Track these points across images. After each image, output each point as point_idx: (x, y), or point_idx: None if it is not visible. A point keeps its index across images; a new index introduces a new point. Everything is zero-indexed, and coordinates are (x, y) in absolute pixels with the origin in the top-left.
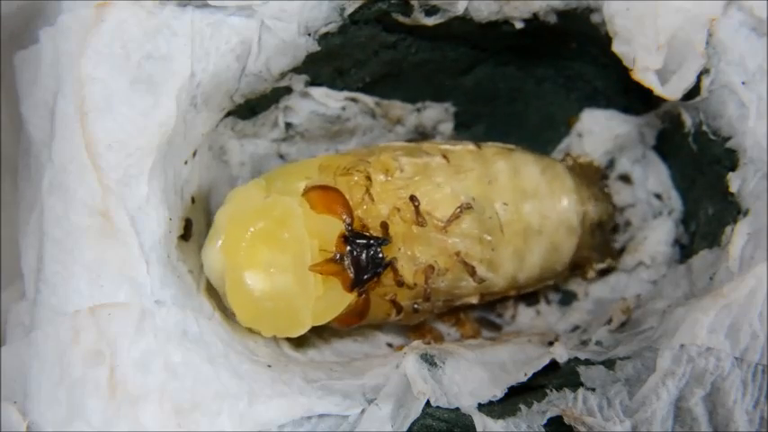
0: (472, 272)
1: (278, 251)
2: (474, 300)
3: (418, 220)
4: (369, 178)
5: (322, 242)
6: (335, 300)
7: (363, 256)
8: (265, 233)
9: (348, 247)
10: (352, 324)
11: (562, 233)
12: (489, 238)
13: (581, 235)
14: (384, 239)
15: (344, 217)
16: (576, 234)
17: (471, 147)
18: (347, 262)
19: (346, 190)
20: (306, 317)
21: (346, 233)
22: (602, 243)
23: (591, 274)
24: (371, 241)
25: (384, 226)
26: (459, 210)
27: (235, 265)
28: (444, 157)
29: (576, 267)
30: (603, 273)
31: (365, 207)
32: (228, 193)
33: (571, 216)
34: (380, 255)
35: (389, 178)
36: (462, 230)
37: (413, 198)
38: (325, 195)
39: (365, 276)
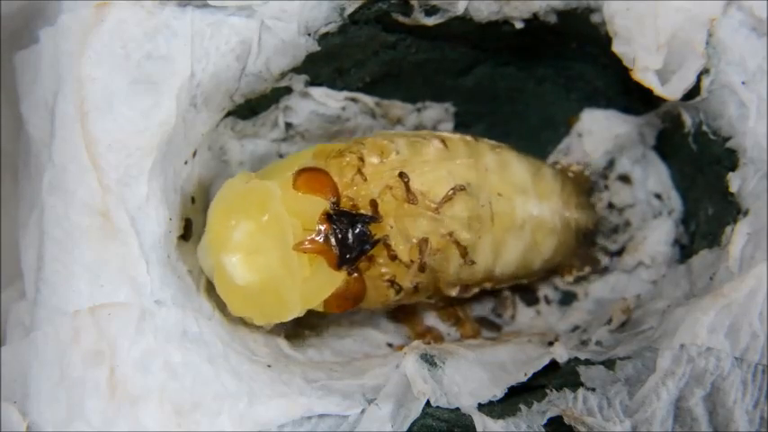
0: (464, 252)
1: (260, 235)
2: (453, 292)
3: (408, 197)
4: (362, 159)
5: (306, 222)
6: (324, 280)
7: (348, 233)
8: (246, 219)
9: (332, 225)
10: (346, 308)
11: (543, 233)
12: (478, 225)
13: (563, 239)
14: (372, 217)
15: (328, 195)
16: (555, 236)
17: (468, 138)
18: (332, 240)
19: (337, 171)
20: (294, 299)
21: (330, 211)
22: (584, 251)
23: (568, 279)
24: (357, 218)
25: (373, 204)
26: (452, 191)
27: (219, 254)
28: (442, 142)
29: (554, 272)
30: (579, 279)
31: (355, 187)
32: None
33: (554, 217)
34: (366, 232)
35: (384, 160)
36: (454, 213)
37: (402, 174)
38: (309, 176)
39: (352, 254)
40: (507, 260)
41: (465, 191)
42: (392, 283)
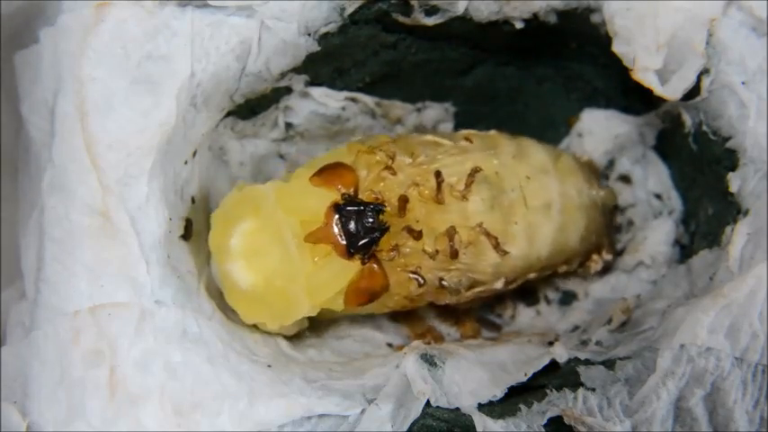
0: (495, 243)
1: (257, 237)
2: (499, 284)
3: (438, 196)
4: (392, 158)
5: (310, 217)
6: (334, 273)
7: (357, 222)
8: (241, 224)
9: (339, 215)
10: (364, 301)
11: (572, 210)
12: (511, 211)
13: (593, 216)
14: (378, 205)
15: (339, 187)
16: (585, 212)
17: (492, 132)
18: (339, 229)
19: (365, 165)
20: (299, 295)
21: (340, 202)
22: (609, 231)
23: (595, 266)
24: (364, 207)
25: (403, 199)
26: (470, 174)
27: (222, 264)
28: (467, 139)
29: (587, 256)
30: (605, 270)
31: (382, 183)
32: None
33: (581, 195)
34: (375, 219)
35: (413, 161)
36: (483, 201)
37: (438, 174)
38: (326, 171)
39: (361, 242)
40: (542, 243)
41: (484, 173)
42: (415, 273)
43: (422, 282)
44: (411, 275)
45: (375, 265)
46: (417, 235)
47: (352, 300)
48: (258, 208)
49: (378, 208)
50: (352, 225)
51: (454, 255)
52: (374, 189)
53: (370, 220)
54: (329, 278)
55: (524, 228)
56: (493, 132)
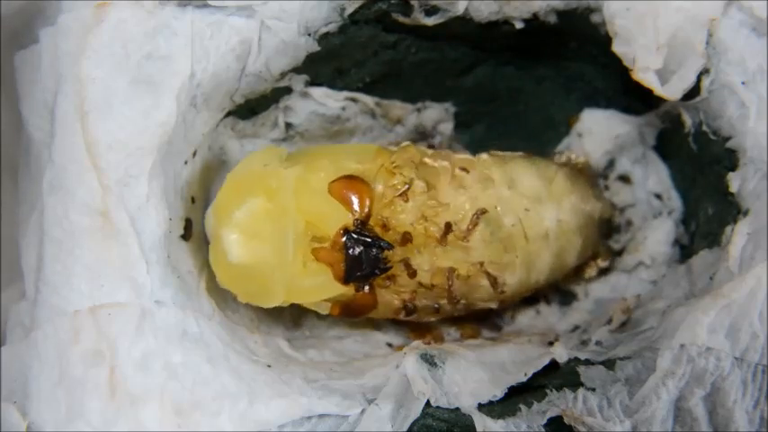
0: (494, 282)
1: (261, 220)
2: (494, 305)
3: (442, 239)
4: (409, 183)
5: (321, 225)
6: (319, 284)
7: (362, 254)
8: (253, 200)
9: (345, 241)
10: (346, 316)
11: (570, 233)
12: (513, 245)
13: (589, 233)
14: (388, 244)
15: (355, 210)
16: (581, 232)
17: (484, 157)
18: (344, 256)
19: (382, 182)
20: (278, 290)
21: (352, 227)
22: (605, 239)
23: (591, 272)
24: (373, 242)
25: (407, 236)
26: (475, 216)
27: (220, 227)
28: (463, 169)
29: (583, 264)
30: (602, 272)
31: (393, 208)
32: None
33: (577, 215)
34: (380, 257)
35: (428, 190)
36: (484, 238)
37: (448, 225)
38: (347, 185)
39: (359, 275)
40: (541, 270)
41: (488, 213)
42: (405, 302)
43: (411, 308)
44: (401, 303)
45: (366, 287)
46: (412, 274)
47: (337, 310)
48: (273, 192)
49: (385, 246)
50: (355, 253)
51: (452, 300)
52: (383, 214)
53: (377, 256)
54: (312, 287)
55: (524, 258)
56: (484, 156)
